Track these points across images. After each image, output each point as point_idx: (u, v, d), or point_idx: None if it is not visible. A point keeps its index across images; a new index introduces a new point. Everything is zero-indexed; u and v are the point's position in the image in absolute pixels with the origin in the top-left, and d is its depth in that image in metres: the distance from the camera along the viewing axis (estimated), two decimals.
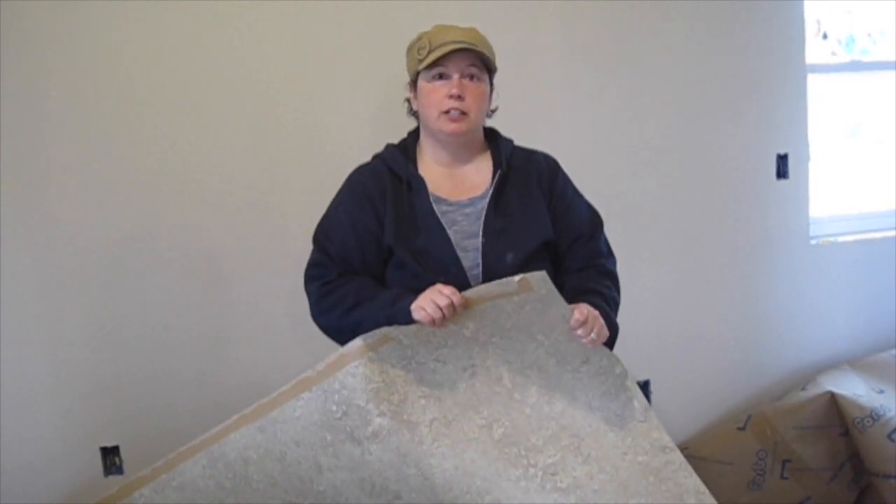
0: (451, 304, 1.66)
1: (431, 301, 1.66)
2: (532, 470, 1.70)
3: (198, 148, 2.42)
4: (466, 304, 1.69)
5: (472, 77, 1.79)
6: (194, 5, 2.37)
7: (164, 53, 2.36)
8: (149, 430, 2.44)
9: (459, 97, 1.77)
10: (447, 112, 1.78)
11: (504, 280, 1.67)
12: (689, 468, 1.75)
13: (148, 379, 2.45)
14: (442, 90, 1.78)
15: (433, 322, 1.67)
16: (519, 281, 1.65)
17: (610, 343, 1.81)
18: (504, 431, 1.72)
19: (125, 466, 2.45)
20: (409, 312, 1.69)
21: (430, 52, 1.76)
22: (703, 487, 1.73)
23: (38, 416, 2.39)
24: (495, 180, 1.85)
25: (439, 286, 1.69)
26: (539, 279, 1.67)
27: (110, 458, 2.45)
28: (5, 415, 2.35)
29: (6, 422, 2.36)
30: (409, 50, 1.85)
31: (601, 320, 1.73)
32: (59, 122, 2.31)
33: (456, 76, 1.78)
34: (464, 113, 1.78)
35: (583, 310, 1.70)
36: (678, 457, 1.75)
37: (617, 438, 1.73)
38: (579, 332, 1.69)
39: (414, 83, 1.85)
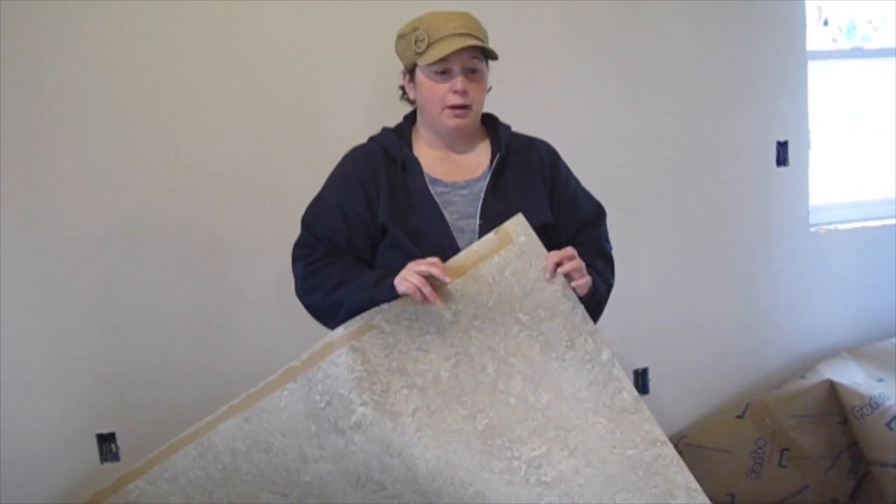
0: (435, 266, 1.67)
1: (414, 272, 1.67)
2: (516, 462, 1.67)
3: (195, 138, 2.42)
4: (448, 273, 1.69)
5: (474, 70, 1.77)
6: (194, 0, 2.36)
7: (161, 44, 2.36)
8: (145, 417, 2.44)
9: (464, 92, 1.76)
10: (451, 107, 1.77)
11: (483, 239, 1.70)
12: (682, 463, 1.70)
13: (145, 366, 2.46)
14: (444, 86, 1.76)
15: (420, 292, 1.66)
16: (497, 233, 1.68)
17: (594, 314, 1.82)
18: (488, 422, 1.70)
19: (121, 453, 2.46)
20: (392, 288, 1.69)
21: (429, 46, 1.73)
22: (694, 484, 1.68)
23: (35, 403, 2.39)
24: (494, 163, 1.84)
25: (417, 260, 1.70)
26: (517, 224, 1.69)
27: (106, 445, 2.46)
28: (2, 402, 2.36)
29: (3, 408, 2.36)
30: (403, 37, 1.80)
31: (580, 261, 1.73)
32: (56, 112, 2.31)
33: (458, 71, 1.75)
34: (467, 107, 1.77)
35: (568, 251, 1.72)
36: (670, 451, 1.70)
37: (605, 431, 1.69)
38: (557, 269, 1.70)
39: (410, 72, 1.83)
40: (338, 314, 1.77)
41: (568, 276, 1.72)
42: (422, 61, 1.75)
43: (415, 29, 1.76)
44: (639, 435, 1.69)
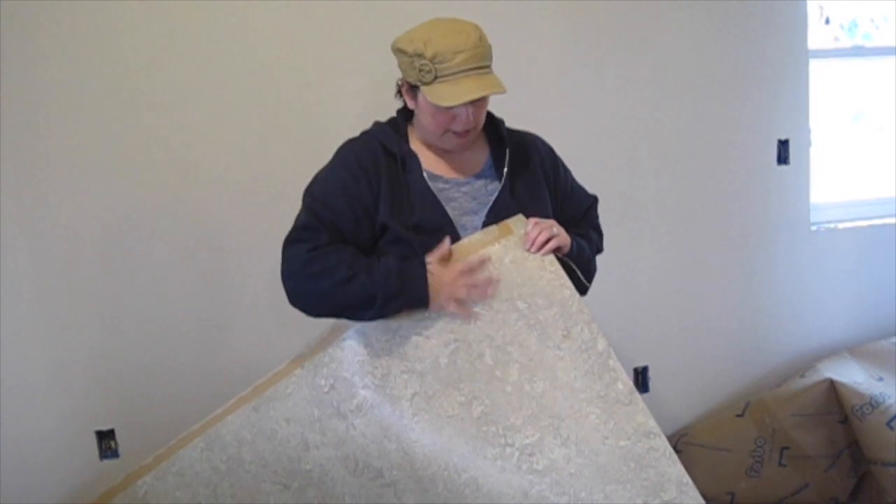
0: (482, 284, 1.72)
1: (462, 290, 1.71)
2: (509, 450, 1.68)
3: (194, 139, 2.43)
4: (451, 257, 1.73)
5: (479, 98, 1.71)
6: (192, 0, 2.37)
7: (162, 42, 2.36)
8: (145, 414, 2.45)
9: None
10: (454, 132, 1.75)
11: (485, 230, 1.76)
12: (674, 456, 1.68)
13: (144, 364, 2.46)
14: (448, 115, 1.71)
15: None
16: (499, 226, 1.75)
17: (582, 283, 1.84)
18: (483, 409, 1.71)
19: (121, 450, 2.46)
20: (425, 296, 1.71)
21: (436, 79, 1.66)
22: (686, 478, 1.66)
23: (35, 400, 2.40)
24: (507, 162, 1.83)
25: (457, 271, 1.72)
26: (517, 221, 1.75)
27: (106, 442, 2.46)
28: (2, 399, 2.36)
29: (3, 406, 2.37)
30: (404, 53, 1.70)
31: (560, 228, 1.78)
32: (56, 109, 2.32)
33: (468, 109, 1.71)
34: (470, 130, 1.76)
35: (537, 219, 1.77)
36: (662, 443, 1.68)
37: (599, 421, 1.69)
38: (532, 232, 1.74)
39: (412, 85, 1.75)
40: (343, 306, 1.75)
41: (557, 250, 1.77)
42: (428, 97, 1.68)
43: (419, 54, 1.66)
44: (632, 426, 1.69)
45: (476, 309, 1.74)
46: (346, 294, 1.71)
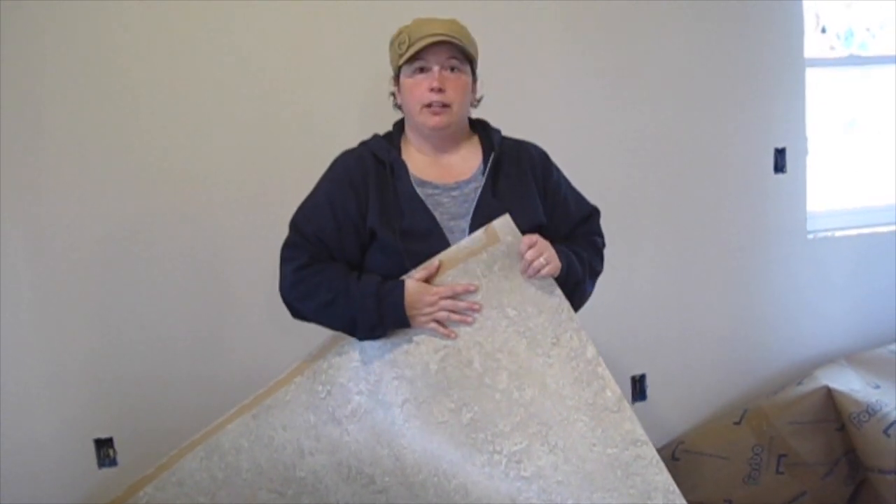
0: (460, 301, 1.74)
1: (442, 314, 1.74)
2: (497, 456, 1.70)
3: (193, 146, 2.43)
4: (440, 270, 1.75)
5: (452, 69, 1.79)
6: (192, 2, 2.37)
7: (160, 50, 2.37)
8: (143, 422, 2.46)
9: (440, 90, 1.77)
10: (429, 105, 1.78)
11: (472, 236, 1.75)
12: (661, 464, 1.69)
13: (143, 372, 2.46)
14: (423, 83, 1.78)
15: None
16: (486, 231, 1.73)
17: (576, 298, 1.84)
18: (473, 416, 1.72)
19: (119, 458, 2.46)
20: (405, 319, 1.74)
21: (409, 47, 1.76)
22: (673, 486, 1.68)
23: (33, 407, 2.40)
24: (490, 162, 1.85)
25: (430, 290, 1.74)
26: (503, 224, 1.74)
27: (104, 450, 2.46)
28: (1, 407, 2.37)
29: (2, 414, 2.37)
30: (391, 44, 1.84)
31: (552, 250, 1.77)
32: (55, 118, 2.32)
33: (436, 69, 1.77)
34: (445, 105, 1.79)
35: (532, 237, 1.76)
36: (650, 451, 1.70)
37: (586, 429, 1.70)
38: (528, 254, 1.73)
39: (397, 78, 1.85)
40: (330, 326, 1.82)
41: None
42: (402, 61, 1.78)
43: (399, 34, 1.81)
44: (619, 434, 1.70)
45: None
46: (330, 316, 1.79)
